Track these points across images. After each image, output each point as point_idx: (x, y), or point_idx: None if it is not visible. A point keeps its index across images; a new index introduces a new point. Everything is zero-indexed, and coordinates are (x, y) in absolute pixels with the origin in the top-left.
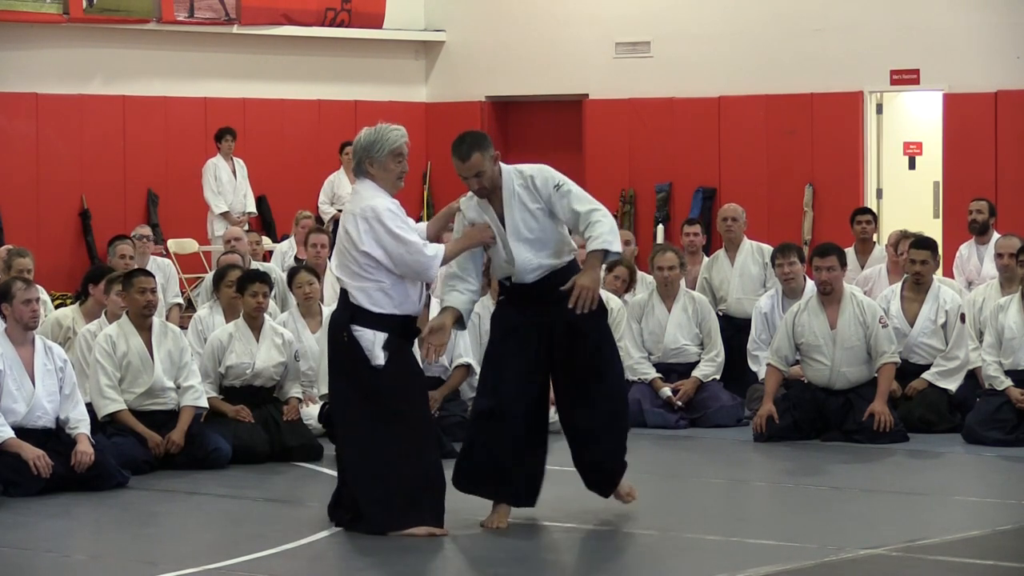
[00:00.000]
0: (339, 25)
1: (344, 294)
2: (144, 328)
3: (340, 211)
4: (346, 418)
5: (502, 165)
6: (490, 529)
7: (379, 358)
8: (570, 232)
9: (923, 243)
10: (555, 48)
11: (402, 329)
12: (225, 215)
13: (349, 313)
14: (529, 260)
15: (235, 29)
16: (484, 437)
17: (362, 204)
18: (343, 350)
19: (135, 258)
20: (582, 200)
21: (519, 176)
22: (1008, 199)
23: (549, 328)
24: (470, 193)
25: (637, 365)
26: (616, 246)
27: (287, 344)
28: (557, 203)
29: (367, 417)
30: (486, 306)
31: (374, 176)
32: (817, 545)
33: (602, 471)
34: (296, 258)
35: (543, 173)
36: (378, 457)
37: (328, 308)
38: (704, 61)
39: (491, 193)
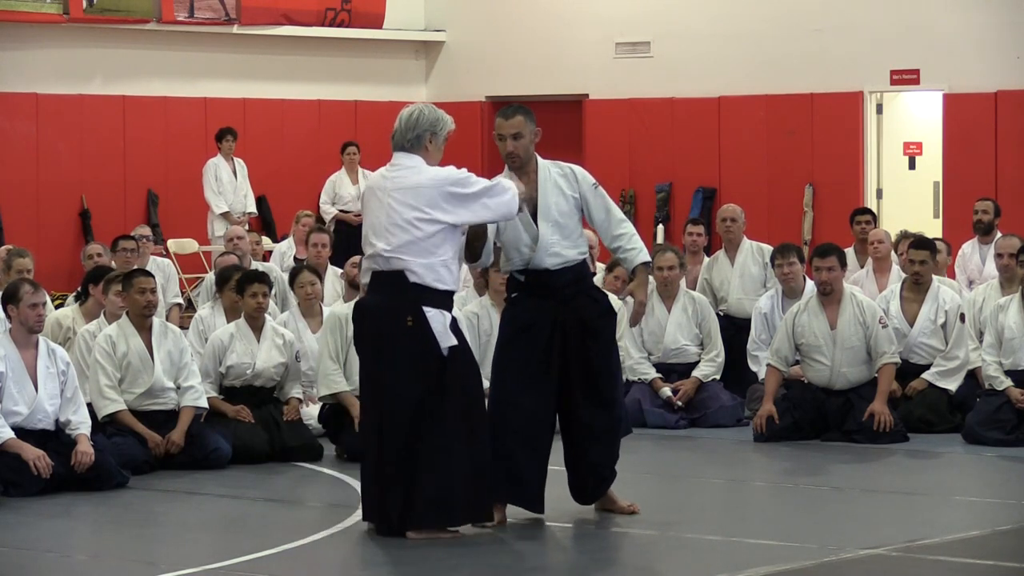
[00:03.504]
0: (339, 25)
1: (389, 277)
2: (144, 328)
3: (342, 211)
4: (405, 411)
5: (538, 156)
6: (486, 527)
7: (451, 339)
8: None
9: (923, 243)
10: (555, 48)
11: (450, 308)
12: (225, 215)
13: (412, 295)
14: (551, 242)
15: (235, 29)
16: (504, 442)
17: (428, 175)
18: (402, 336)
19: (103, 255)
20: (617, 209)
21: (556, 166)
22: (1008, 199)
23: (562, 325)
24: (494, 179)
25: (637, 365)
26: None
27: (288, 344)
28: (592, 200)
29: (435, 408)
30: (484, 306)
31: (428, 153)
32: (817, 545)
33: (597, 474)
34: (296, 258)
35: (582, 170)
36: (445, 450)
37: (328, 308)
38: (704, 61)
39: (521, 170)
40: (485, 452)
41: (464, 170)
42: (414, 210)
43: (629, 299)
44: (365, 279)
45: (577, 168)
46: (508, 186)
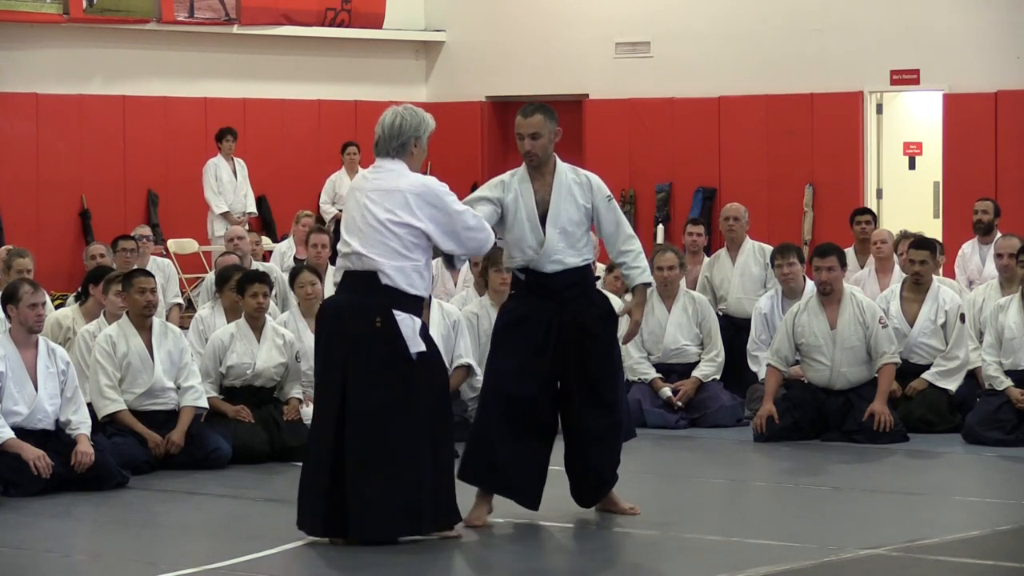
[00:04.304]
0: (339, 25)
1: (361, 277)
2: (144, 328)
3: (341, 211)
4: (370, 414)
5: (557, 157)
6: (473, 526)
7: (419, 345)
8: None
9: (923, 243)
10: (555, 48)
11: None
12: (225, 215)
13: (383, 296)
14: (556, 248)
15: (235, 29)
16: (491, 427)
17: (408, 181)
18: (370, 337)
19: (106, 256)
20: (627, 224)
21: (574, 172)
22: (1008, 199)
23: (559, 326)
24: (511, 172)
25: (637, 365)
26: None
27: (288, 345)
28: (604, 213)
29: (400, 413)
30: (484, 306)
31: (413, 157)
32: (817, 545)
33: (599, 478)
34: (295, 258)
35: (599, 180)
36: (411, 456)
37: None
38: (704, 61)
39: (538, 170)
40: (450, 460)
41: (446, 186)
42: (387, 212)
43: (628, 297)
44: (337, 277)
45: (594, 177)
46: (486, 227)
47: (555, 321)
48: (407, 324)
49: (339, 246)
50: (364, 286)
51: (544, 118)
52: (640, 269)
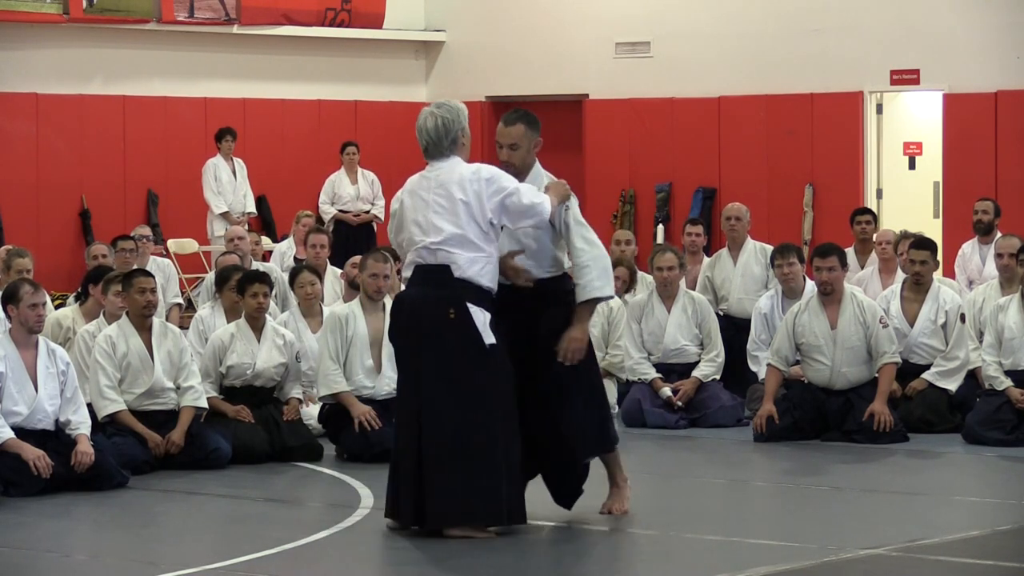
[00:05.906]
0: (339, 25)
1: (434, 271)
2: (144, 328)
3: (341, 211)
4: (445, 405)
5: (539, 166)
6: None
7: (491, 337)
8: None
9: (923, 243)
10: (555, 48)
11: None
12: (225, 215)
13: (456, 289)
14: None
15: (235, 29)
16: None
17: (469, 170)
18: (444, 329)
19: (108, 256)
20: (582, 225)
21: (550, 178)
22: (1008, 199)
23: (533, 336)
24: None
25: (637, 365)
26: (608, 289)
27: (288, 345)
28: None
29: (475, 402)
30: None
31: (464, 147)
32: (817, 545)
33: (583, 466)
34: (295, 258)
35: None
36: (486, 446)
37: (328, 308)
38: (704, 61)
39: (519, 177)
40: (518, 454)
41: (498, 169)
42: (459, 203)
43: (627, 297)
44: (407, 272)
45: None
46: (542, 198)
47: (532, 332)
48: (479, 316)
49: (405, 243)
50: (437, 279)
51: (525, 128)
52: (582, 285)
